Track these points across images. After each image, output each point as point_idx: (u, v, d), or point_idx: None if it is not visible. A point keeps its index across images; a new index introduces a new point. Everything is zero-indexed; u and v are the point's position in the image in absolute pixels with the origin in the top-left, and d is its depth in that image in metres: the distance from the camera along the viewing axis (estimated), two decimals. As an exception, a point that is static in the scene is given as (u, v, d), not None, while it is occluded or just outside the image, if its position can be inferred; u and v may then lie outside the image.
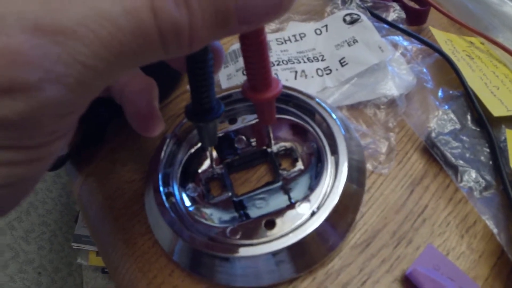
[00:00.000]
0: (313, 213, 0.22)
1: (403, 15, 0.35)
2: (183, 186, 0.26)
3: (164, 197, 0.24)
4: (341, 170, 0.23)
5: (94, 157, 0.31)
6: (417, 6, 0.37)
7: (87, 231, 0.99)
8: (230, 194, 0.26)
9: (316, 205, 0.23)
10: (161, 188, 0.25)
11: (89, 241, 0.97)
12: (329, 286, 0.22)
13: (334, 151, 0.25)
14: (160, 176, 0.25)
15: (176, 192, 0.26)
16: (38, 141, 0.13)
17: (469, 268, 0.23)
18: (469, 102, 0.29)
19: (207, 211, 0.25)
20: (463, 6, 0.37)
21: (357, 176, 0.24)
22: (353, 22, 0.34)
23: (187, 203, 0.25)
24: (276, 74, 0.31)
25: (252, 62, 0.20)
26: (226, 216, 0.24)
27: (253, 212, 0.24)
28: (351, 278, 0.23)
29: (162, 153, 0.26)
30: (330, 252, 0.23)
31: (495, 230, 0.24)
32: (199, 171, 0.27)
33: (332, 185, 0.23)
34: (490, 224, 0.24)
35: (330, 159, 0.25)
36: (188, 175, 0.27)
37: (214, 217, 0.24)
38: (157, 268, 0.25)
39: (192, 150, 0.28)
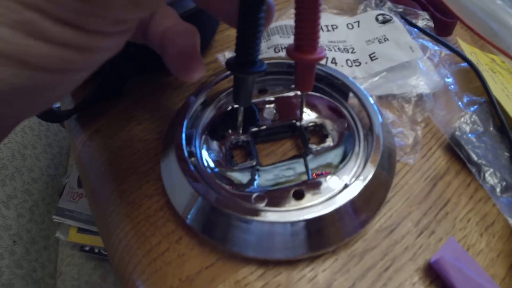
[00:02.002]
0: (345, 186, 0.20)
1: (431, 24, 0.34)
2: (206, 148, 0.24)
3: (186, 154, 0.22)
4: (374, 152, 0.22)
5: (104, 113, 0.28)
6: (443, 18, 0.36)
7: (72, 205, 0.93)
8: (254, 162, 0.23)
9: (346, 181, 0.21)
10: (184, 145, 0.22)
11: (71, 216, 0.91)
12: (352, 269, 0.20)
13: (368, 134, 0.23)
14: (183, 133, 0.23)
15: (198, 153, 0.23)
16: (101, 26, 0.11)
17: (487, 266, 0.21)
18: (492, 110, 0.28)
19: (231, 174, 0.22)
20: (487, 26, 0.36)
21: (388, 159, 0.23)
22: (385, 22, 0.33)
23: (210, 165, 0.23)
24: (307, 56, 0.29)
25: (303, 20, 0.19)
26: (252, 183, 0.22)
27: (281, 182, 0.22)
28: (374, 262, 0.20)
29: (188, 112, 0.24)
30: (358, 231, 0.20)
31: (517, 231, 0.22)
32: (224, 135, 0.25)
33: (365, 164, 0.21)
34: (511, 222, 0.22)
35: (362, 140, 0.23)
36: (212, 139, 0.24)
37: (239, 182, 0.22)
38: (163, 234, 0.22)
39: (218, 114, 0.25)
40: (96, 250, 0.90)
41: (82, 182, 0.31)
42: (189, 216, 0.21)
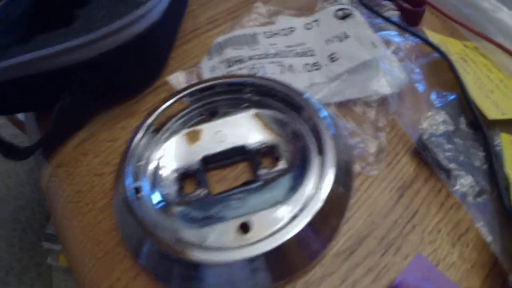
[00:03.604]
0: (294, 217, 0.20)
1: (396, 14, 0.34)
2: (154, 181, 0.24)
3: (131, 192, 0.22)
4: (327, 171, 0.21)
5: (65, 146, 0.29)
6: (410, 7, 0.35)
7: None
8: (205, 192, 0.23)
9: (298, 208, 0.21)
10: (129, 182, 0.22)
11: (61, 241, 0.93)
12: (309, 297, 0.20)
13: (321, 151, 0.23)
14: (129, 169, 0.23)
15: (146, 187, 0.23)
16: None
17: (460, 279, 0.21)
18: (464, 104, 0.28)
19: (178, 209, 0.22)
20: (459, 11, 0.36)
21: (344, 178, 0.22)
22: (345, 17, 0.32)
23: (157, 199, 0.23)
24: (263, 67, 0.29)
25: None
26: (198, 216, 0.22)
27: (228, 213, 0.22)
28: (332, 288, 0.21)
29: (133, 144, 0.24)
30: (312, 260, 0.20)
31: (488, 238, 0.22)
32: (174, 166, 0.25)
33: (317, 187, 0.21)
34: (484, 231, 0.22)
35: (316, 159, 0.23)
36: (160, 171, 0.25)
37: (185, 217, 0.22)
38: (121, 270, 0.23)
39: (167, 143, 0.25)
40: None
41: (50, 217, 0.32)
42: (140, 256, 0.22)
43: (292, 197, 0.21)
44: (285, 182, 0.22)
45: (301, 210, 0.20)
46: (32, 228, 0.98)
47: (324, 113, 0.24)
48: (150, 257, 0.21)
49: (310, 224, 0.20)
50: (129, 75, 0.30)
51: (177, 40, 0.35)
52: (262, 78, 0.26)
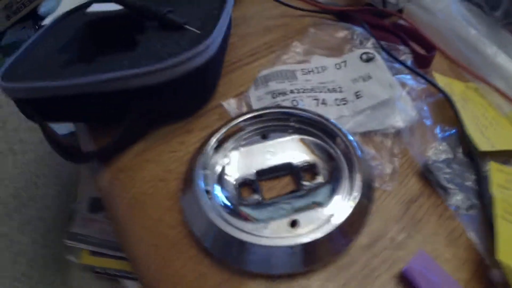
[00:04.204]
0: (332, 216, 0.28)
1: (410, 57, 0.42)
2: (221, 186, 0.32)
3: (203, 194, 0.30)
4: (355, 185, 0.29)
5: (124, 155, 0.35)
6: (422, 51, 0.44)
7: (85, 230, 1.03)
8: (260, 197, 0.31)
9: (333, 211, 0.29)
10: (201, 185, 0.30)
11: (84, 240, 1.00)
12: (338, 279, 0.28)
13: (351, 169, 0.31)
14: (201, 174, 0.31)
15: (214, 191, 0.31)
16: None
17: (453, 271, 0.29)
18: (462, 137, 0.36)
19: (242, 209, 0.30)
20: (464, 55, 0.44)
21: (367, 191, 0.30)
22: (368, 60, 0.41)
23: (224, 201, 0.31)
24: (301, 99, 0.37)
25: None
26: (257, 215, 0.30)
27: (280, 213, 0.30)
28: (357, 271, 0.28)
29: (204, 154, 0.32)
30: (343, 249, 0.28)
31: (476, 241, 0.30)
32: (234, 176, 0.33)
33: (348, 197, 0.29)
34: (473, 236, 0.30)
35: (346, 175, 0.31)
36: (224, 179, 0.33)
37: (248, 215, 0.30)
38: (185, 258, 0.29)
39: (229, 156, 0.33)
40: (110, 273, 0.99)
41: (108, 215, 0.37)
42: (208, 243, 0.30)
43: (329, 203, 0.29)
44: (323, 191, 0.31)
45: (336, 213, 0.28)
46: (56, 227, 1.06)
47: (353, 141, 0.32)
48: (216, 242, 0.29)
49: (343, 223, 0.28)
50: (182, 102, 0.36)
51: (223, 69, 0.42)
52: (303, 109, 0.35)
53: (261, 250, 0.27)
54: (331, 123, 0.33)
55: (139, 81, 0.30)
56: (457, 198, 0.32)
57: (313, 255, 0.28)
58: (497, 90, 0.40)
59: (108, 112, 0.34)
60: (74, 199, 1.13)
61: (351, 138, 0.32)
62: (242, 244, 0.28)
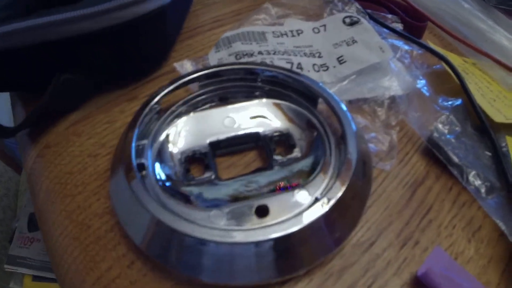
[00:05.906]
0: (315, 200, 0.19)
1: (400, 27, 0.35)
2: (160, 160, 0.22)
3: (136, 168, 0.20)
4: (348, 160, 0.21)
5: (55, 127, 0.27)
6: (413, 21, 0.37)
7: (23, 252, 0.87)
8: (213, 176, 0.22)
9: (318, 193, 0.20)
10: (134, 158, 0.21)
11: (24, 263, 0.85)
12: (328, 289, 0.19)
13: (338, 140, 0.22)
14: (133, 145, 0.22)
15: (150, 166, 0.22)
16: None
17: (479, 274, 0.21)
18: (470, 109, 0.28)
19: (187, 189, 0.21)
20: (456, 29, 0.38)
21: (362, 167, 0.22)
22: (352, 24, 0.33)
23: (162, 178, 0.21)
24: (271, 61, 0.29)
25: None
26: (209, 199, 0.21)
27: (242, 197, 0.20)
28: (354, 281, 0.19)
29: (137, 123, 0.23)
30: (333, 249, 0.19)
31: (506, 231, 0.22)
32: (180, 148, 0.23)
33: (337, 174, 0.20)
34: (501, 224, 0.22)
35: (333, 147, 0.22)
36: (165, 151, 0.23)
37: (194, 197, 0.21)
38: (113, 258, 0.20)
39: (173, 125, 0.24)
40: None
41: (32, 202, 0.29)
42: (140, 238, 0.20)
43: (310, 183, 0.20)
44: (301, 168, 0.22)
45: (320, 197, 0.19)
46: (-5, 250, 0.90)
47: (343, 105, 0.23)
48: (153, 239, 0.19)
49: (331, 211, 0.19)
50: (133, 55, 0.29)
51: (181, 35, 0.34)
52: (273, 66, 0.26)
53: (214, 249, 0.18)
54: (311, 81, 0.25)
55: (79, 25, 0.24)
56: (475, 178, 0.24)
57: (290, 257, 0.18)
58: (499, 62, 0.34)
59: (49, 72, 0.26)
60: (13, 215, 0.97)
61: (337, 99, 0.24)
62: (185, 239, 0.18)
